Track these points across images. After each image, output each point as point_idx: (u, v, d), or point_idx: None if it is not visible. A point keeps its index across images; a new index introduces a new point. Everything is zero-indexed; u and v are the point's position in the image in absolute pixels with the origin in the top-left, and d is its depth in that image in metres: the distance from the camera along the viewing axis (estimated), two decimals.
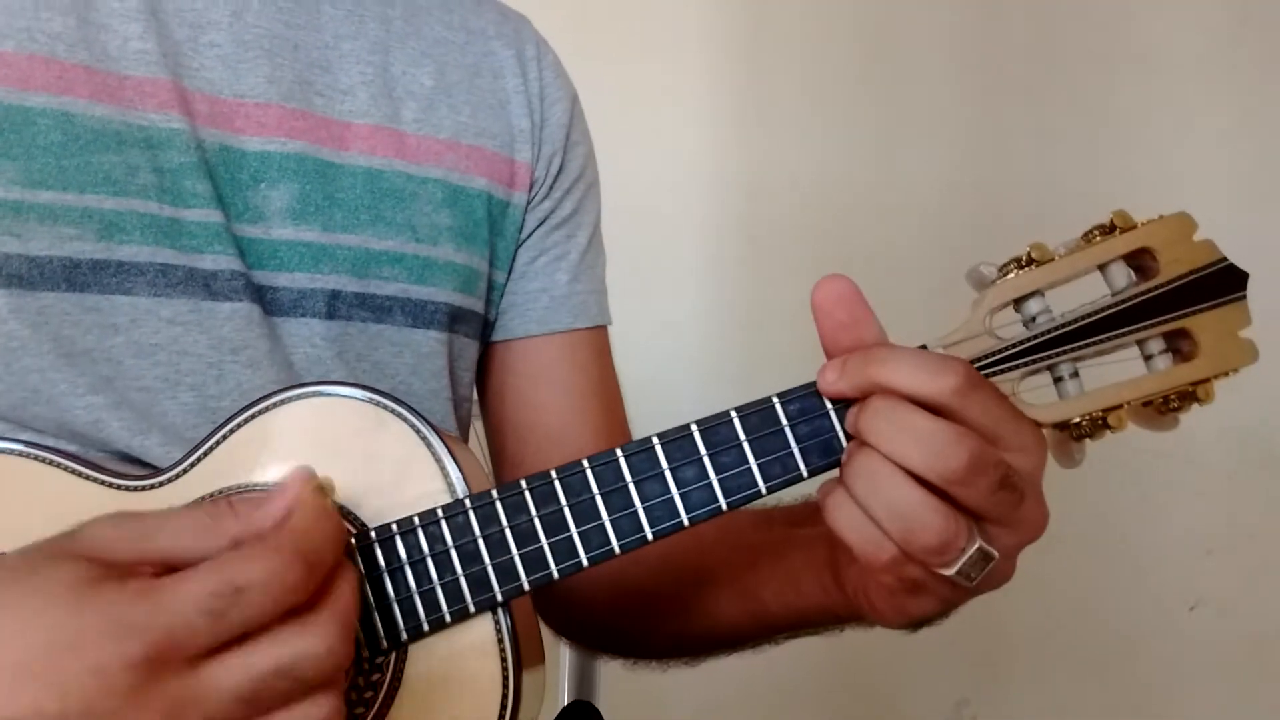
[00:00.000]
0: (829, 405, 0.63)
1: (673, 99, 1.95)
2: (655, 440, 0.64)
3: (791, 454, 0.64)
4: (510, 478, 0.93)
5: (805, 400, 0.64)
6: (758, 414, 0.64)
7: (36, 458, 0.67)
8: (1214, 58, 1.95)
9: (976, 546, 0.59)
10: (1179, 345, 0.63)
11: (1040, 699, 1.96)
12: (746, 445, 0.64)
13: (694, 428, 0.64)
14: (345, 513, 0.66)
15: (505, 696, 0.65)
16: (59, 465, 0.67)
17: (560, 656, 1.32)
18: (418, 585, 0.65)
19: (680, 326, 1.93)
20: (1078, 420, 0.62)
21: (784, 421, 0.64)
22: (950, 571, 0.59)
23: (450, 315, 0.87)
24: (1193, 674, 1.94)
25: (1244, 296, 0.61)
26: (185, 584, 0.52)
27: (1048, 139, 1.95)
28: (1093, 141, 1.94)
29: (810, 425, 0.64)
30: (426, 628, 0.65)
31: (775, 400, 0.64)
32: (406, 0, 0.91)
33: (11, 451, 0.67)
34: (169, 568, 0.53)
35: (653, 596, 0.87)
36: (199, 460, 0.68)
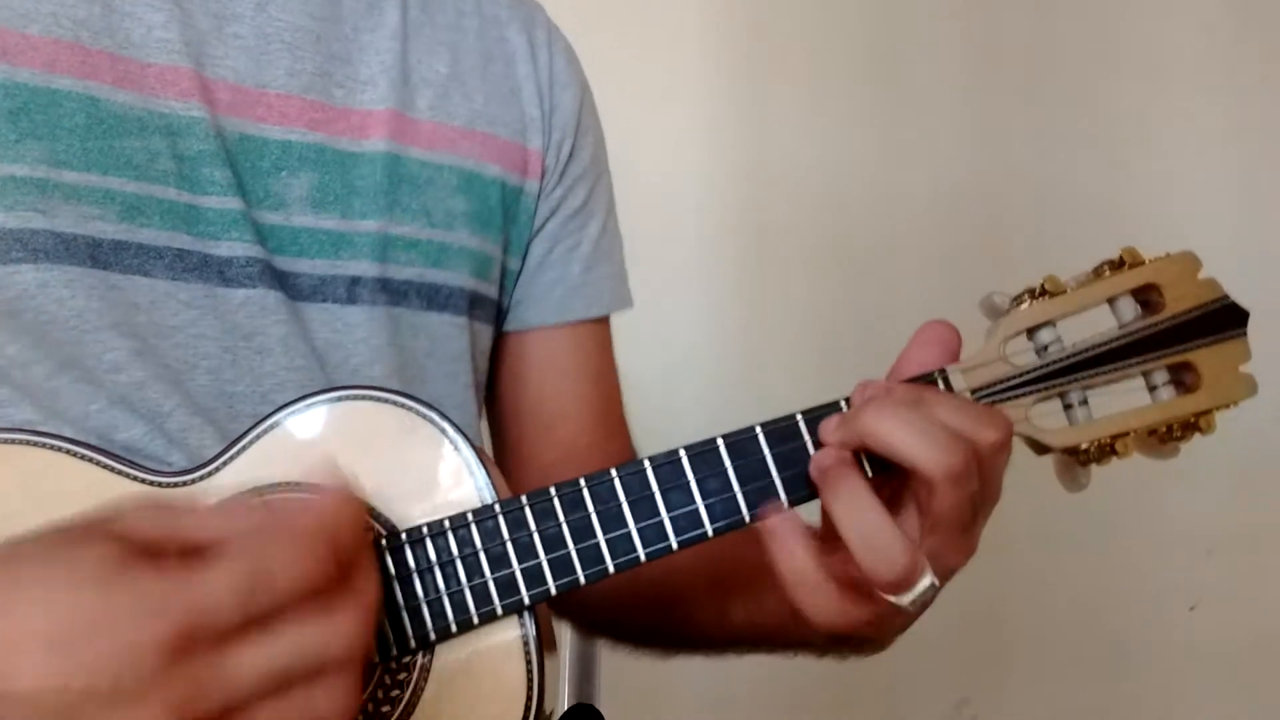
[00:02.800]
0: None
1: (673, 96, 1.93)
2: (682, 452, 0.67)
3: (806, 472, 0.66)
4: (513, 463, 0.96)
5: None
6: (780, 429, 0.67)
7: (70, 452, 0.67)
8: (1214, 58, 1.95)
9: (928, 583, 0.60)
10: (1182, 378, 0.66)
11: (1040, 699, 1.95)
12: (770, 459, 0.66)
13: (720, 441, 0.67)
14: (376, 514, 0.67)
15: (530, 697, 0.66)
16: (91, 460, 0.67)
17: (560, 657, 1.31)
18: (446, 587, 0.66)
19: (681, 324, 1.91)
20: (1085, 446, 0.66)
21: (806, 437, 0.66)
22: (903, 601, 0.60)
23: (469, 299, 0.88)
24: (1193, 674, 1.94)
25: (1244, 333, 0.64)
26: (214, 566, 0.52)
27: (1048, 137, 1.94)
28: (1093, 140, 1.94)
29: None
30: (454, 629, 0.66)
31: (799, 417, 0.67)
32: None
33: (44, 445, 0.67)
34: (197, 552, 0.53)
35: (635, 592, 0.88)
36: (232, 458, 0.69)
